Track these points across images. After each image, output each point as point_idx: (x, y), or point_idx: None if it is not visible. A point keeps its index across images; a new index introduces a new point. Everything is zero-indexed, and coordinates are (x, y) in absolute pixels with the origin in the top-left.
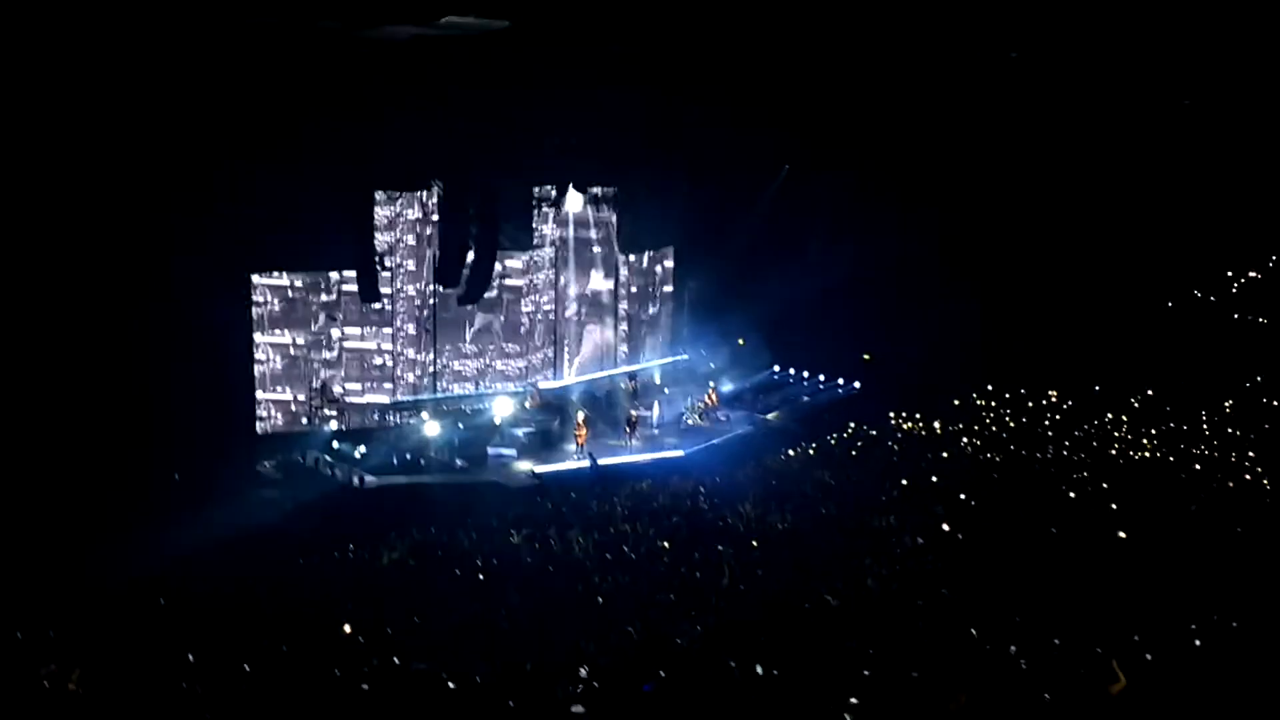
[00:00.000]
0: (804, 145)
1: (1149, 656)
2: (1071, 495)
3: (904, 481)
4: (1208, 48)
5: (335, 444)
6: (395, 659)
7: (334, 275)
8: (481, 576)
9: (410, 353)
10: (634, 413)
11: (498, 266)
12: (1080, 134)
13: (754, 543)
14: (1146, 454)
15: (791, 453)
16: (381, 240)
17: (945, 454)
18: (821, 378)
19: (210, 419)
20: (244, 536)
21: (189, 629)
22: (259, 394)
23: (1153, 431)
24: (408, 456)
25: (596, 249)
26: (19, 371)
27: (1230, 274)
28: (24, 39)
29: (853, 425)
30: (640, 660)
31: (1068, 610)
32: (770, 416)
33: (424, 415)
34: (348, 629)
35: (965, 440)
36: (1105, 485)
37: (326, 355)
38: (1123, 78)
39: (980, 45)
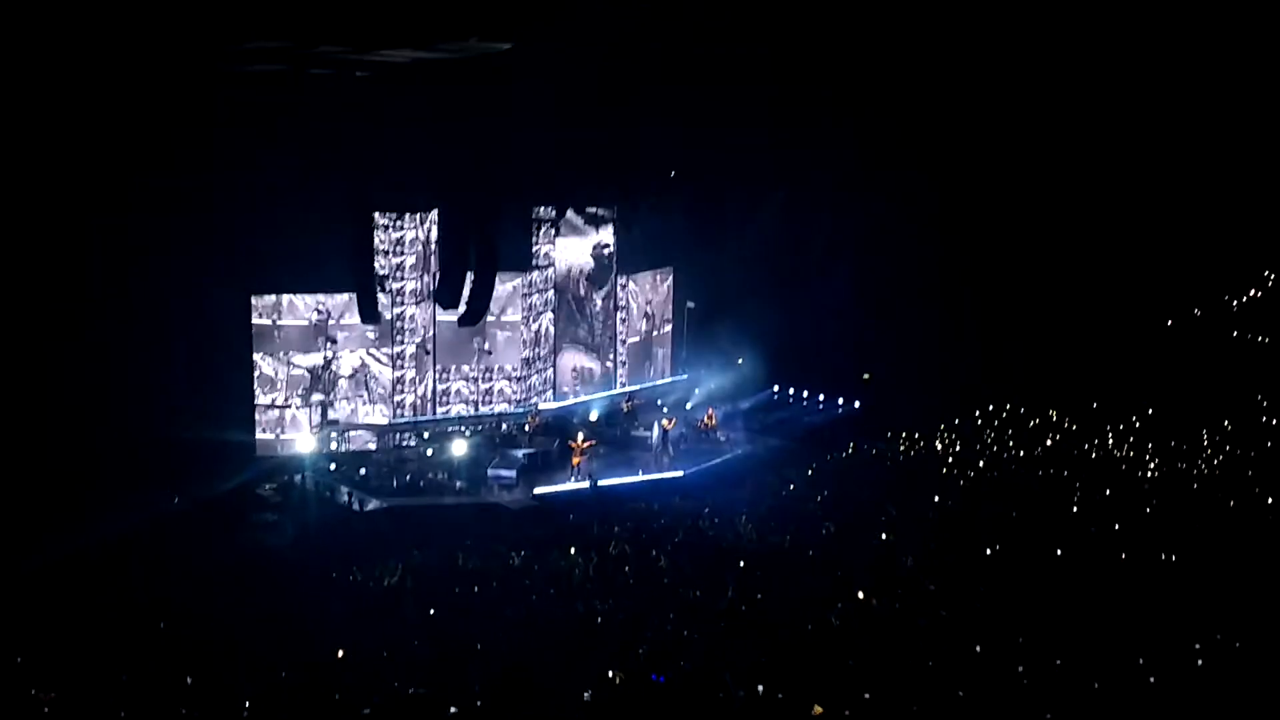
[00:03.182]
0: (804, 163)
1: (1152, 678)
2: (1073, 512)
3: (904, 501)
4: (1212, 65)
5: (334, 466)
6: (395, 683)
7: (335, 296)
8: (481, 599)
9: (410, 374)
10: (667, 424)
11: (497, 288)
12: (1081, 154)
13: (755, 563)
14: (1148, 473)
15: (792, 473)
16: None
17: (945, 473)
18: (821, 397)
19: (209, 441)
20: (242, 559)
21: (187, 652)
22: (258, 415)
23: (1154, 450)
24: (407, 478)
25: (596, 270)
26: (14, 391)
27: (1230, 293)
28: (26, 51)
29: (853, 445)
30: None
31: (1070, 630)
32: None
33: (424, 436)
34: (340, 654)
35: (965, 460)
36: (1106, 504)
37: (326, 377)
38: (1125, 93)
39: (979, 60)
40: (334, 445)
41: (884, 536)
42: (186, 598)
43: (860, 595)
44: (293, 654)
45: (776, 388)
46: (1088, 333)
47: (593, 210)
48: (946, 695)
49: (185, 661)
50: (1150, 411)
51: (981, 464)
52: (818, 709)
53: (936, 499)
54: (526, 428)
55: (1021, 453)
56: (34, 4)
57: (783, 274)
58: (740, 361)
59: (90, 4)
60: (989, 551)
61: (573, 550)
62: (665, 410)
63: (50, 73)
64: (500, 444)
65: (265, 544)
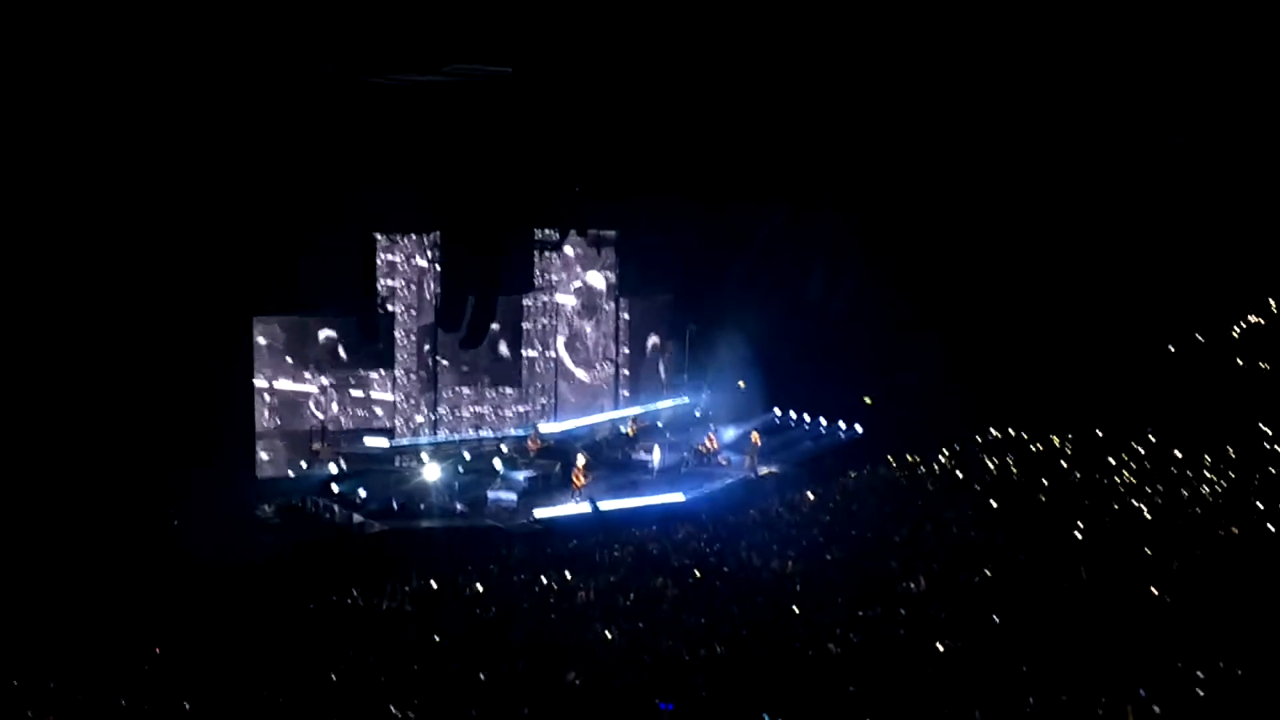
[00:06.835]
0: (805, 187)
1: (1156, 708)
2: (1076, 538)
3: (907, 527)
4: (1210, 92)
5: (334, 488)
6: (392, 708)
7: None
8: (481, 623)
9: (411, 396)
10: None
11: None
12: (1080, 179)
13: (757, 589)
14: (1149, 499)
15: (793, 497)
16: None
17: (948, 499)
18: (823, 421)
19: (209, 462)
20: (242, 581)
21: (185, 676)
22: (258, 437)
23: (1157, 476)
24: (407, 501)
25: (597, 291)
26: (16, 412)
27: (1232, 318)
28: (43, 76)
29: (854, 470)
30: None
31: (1074, 658)
32: (766, 472)
33: (424, 458)
34: (333, 677)
35: (968, 485)
36: (1108, 530)
37: (327, 398)
38: (1124, 119)
39: (979, 86)
40: (333, 467)
41: (889, 562)
42: (184, 620)
43: (864, 620)
44: (291, 678)
45: (778, 411)
46: (1091, 358)
47: (595, 232)
48: None
49: (181, 686)
50: (1153, 438)
51: (986, 489)
52: None
53: (941, 524)
54: (528, 449)
55: (1025, 478)
56: (37, 17)
57: (784, 296)
58: (741, 384)
59: (87, 25)
60: (996, 577)
61: (574, 574)
62: (667, 435)
63: (46, 95)
64: (501, 466)
65: (264, 566)
